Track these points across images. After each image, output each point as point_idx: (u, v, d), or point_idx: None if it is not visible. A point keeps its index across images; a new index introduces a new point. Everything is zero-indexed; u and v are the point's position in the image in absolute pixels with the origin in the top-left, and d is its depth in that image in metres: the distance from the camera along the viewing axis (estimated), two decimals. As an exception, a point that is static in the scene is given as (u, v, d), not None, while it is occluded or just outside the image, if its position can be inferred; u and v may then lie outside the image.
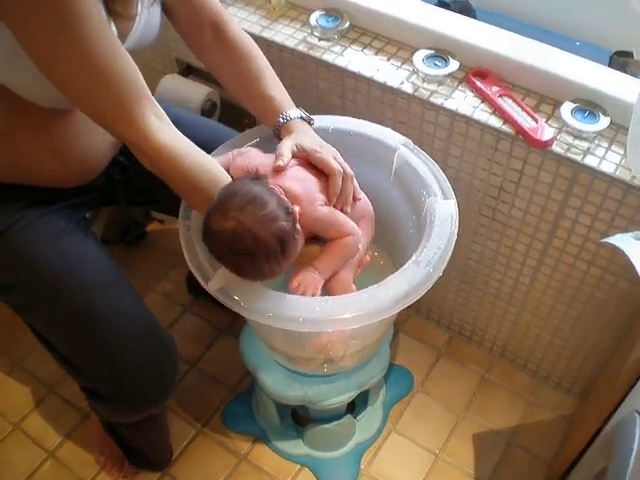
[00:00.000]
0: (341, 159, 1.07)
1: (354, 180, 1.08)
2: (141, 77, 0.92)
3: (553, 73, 1.22)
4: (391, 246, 1.25)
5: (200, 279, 1.03)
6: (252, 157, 1.08)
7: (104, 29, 0.88)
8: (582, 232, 1.24)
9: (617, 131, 1.18)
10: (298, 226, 0.98)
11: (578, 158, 1.16)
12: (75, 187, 1.15)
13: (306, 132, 1.10)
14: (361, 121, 1.22)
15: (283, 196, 0.99)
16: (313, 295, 1.02)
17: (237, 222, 0.93)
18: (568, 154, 1.16)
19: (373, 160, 1.20)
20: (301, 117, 1.11)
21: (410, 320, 1.69)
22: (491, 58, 1.26)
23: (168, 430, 1.35)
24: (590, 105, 1.19)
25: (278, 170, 1.03)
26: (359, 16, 1.36)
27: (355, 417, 1.49)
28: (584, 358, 1.47)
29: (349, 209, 1.07)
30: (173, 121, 0.98)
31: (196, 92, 1.51)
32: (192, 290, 1.73)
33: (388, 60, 1.32)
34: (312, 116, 1.14)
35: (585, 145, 1.17)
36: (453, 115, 1.24)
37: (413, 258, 1.04)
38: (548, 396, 1.57)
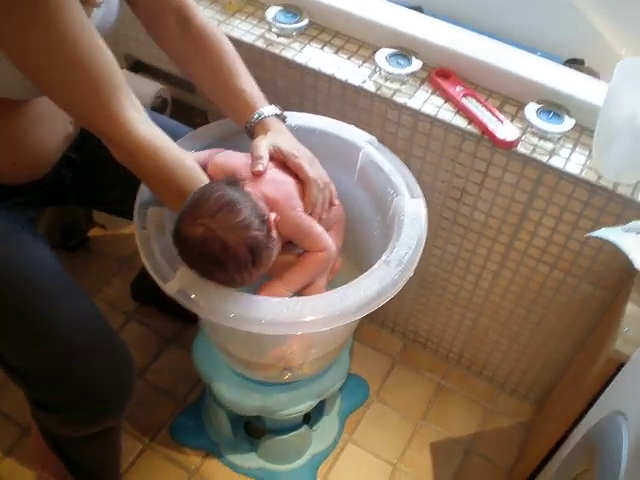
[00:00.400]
0: (318, 165, 1.04)
1: (331, 186, 1.05)
2: (118, 68, 0.87)
3: (517, 74, 1.21)
4: (354, 249, 1.21)
5: (158, 280, 0.97)
6: (228, 156, 1.03)
7: (82, 16, 0.82)
8: (545, 234, 1.23)
9: (581, 132, 1.18)
10: (274, 234, 0.95)
11: (544, 159, 1.15)
12: (22, 184, 1.07)
13: (282, 131, 1.05)
14: (324, 118, 1.19)
15: (261, 202, 0.95)
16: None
17: (206, 229, 0.89)
18: (534, 155, 1.15)
19: (336, 159, 1.16)
20: (276, 114, 1.06)
21: (364, 328, 1.65)
22: (454, 58, 1.24)
23: (120, 446, 1.26)
24: (554, 106, 1.18)
25: (257, 175, 0.98)
26: (318, 13, 1.33)
27: (311, 427, 1.44)
28: (543, 364, 1.46)
29: (324, 217, 1.03)
30: None
31: (146, 89, 1.45)
32: (137, 297, 1.65)
33: (349, 58, 1.29)
34: (276, 112, 1.09)
35: (550, 146, 1.16)
36: (416, 114, 1.21)
37: (383, 258, 1.00)
38: (505, 403, 1.56)
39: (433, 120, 1.20)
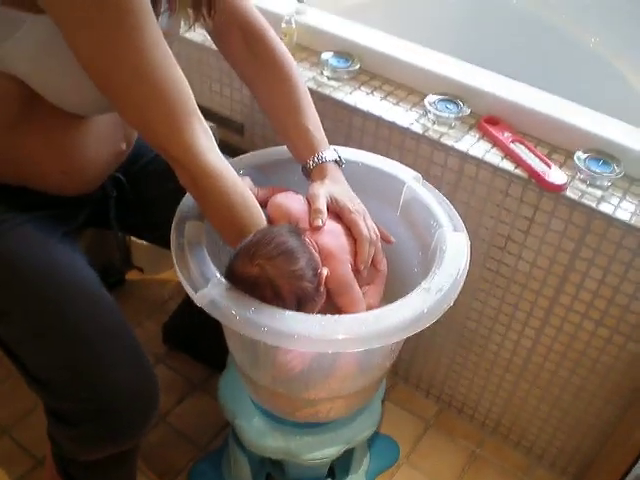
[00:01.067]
0: (369, 219, 1.04)
1: (379, 244, 1.04)
2: (192, 94, 0.89)
3: (567, 121, 1.20)
4: (393, 285, 1.17)
5: (190, 290, 0.94)
6: (288, 199, 1.04)
7: (162, 39, 0.84)
8: (592, 287, 1.18)
9: (631, 183, 1.15)
10: (322, 289, 0.95)
11: (592, 204, 1.12)
12: (69, 197, 1.08)
13: (339, 181, 1.06)
14: (369, 153, 1.18)
15: (316, 254, 0.96)
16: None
17: (262, 271, 0.89)
18: (582, 200, 1.12)
19: (379, 193, 1.15)
20: (335, 160, 1.07)
21: (397, 388, 1.59)
22: (503, 105, 1.24)
23: (135, 478, 1.21)
24: (604, 155, 1.16)
25: (316, 229, 0.99)
26: (369, 59, 1.35)
27: (335, 485, 1.36)
28: (583, 433, 1.37)
29: (365, 273, 1.02)
30: None
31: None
32: (168, 340, 1.62)
33: (398, 103, 1.30)
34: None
35: (599, 193, 1.13)
36: (464, 157, 1.20)
37: (423, 285, 0.97)
38: (542, 476, 1.46)
39: (480, 163, 1.19)
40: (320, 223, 0.99)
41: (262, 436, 1.19)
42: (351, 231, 1.02)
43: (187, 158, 0.89)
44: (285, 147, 1.12)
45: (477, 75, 1.29)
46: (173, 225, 1.03)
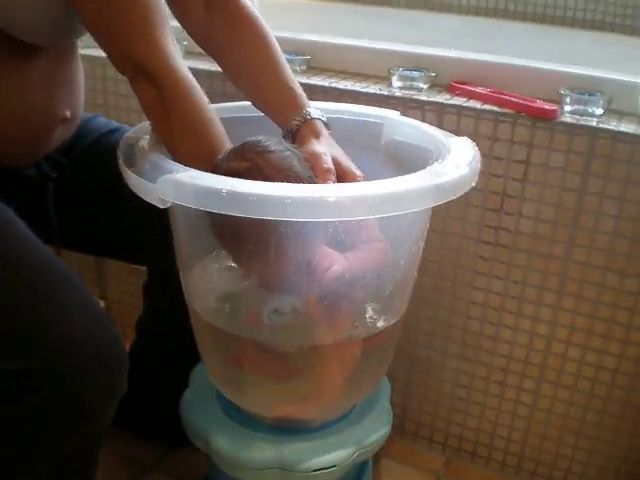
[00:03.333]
0: None
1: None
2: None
3: (542, 67, 1.13)
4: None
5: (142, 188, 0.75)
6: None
7: None
8: (608, 227, 1.04)
9: (621, 117, 1.06)
10: None
11: (592, 123, 1.01)
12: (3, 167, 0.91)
13: (333, 144, 0.92)
14: (341, 104, 1.06)
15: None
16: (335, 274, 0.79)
17: (253, 164, 0.77)
18: (581, 122, 1.02)
19: (358, 141, 1.00)
20: (321, 119, 0.93)
21: (393, 445, 1.31)
22: (471, 66, 1.18)
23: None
24: (587, 90, 1.08)
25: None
26: (320, 54, 1.27)
27: None
28: (624, 454, 1.14)
29: None
30: None
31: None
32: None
33: (358, 82, 1.20)
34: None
35: (594, 119, 1.03)
36: (441, 108, 1.10)
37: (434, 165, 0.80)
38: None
39: (460, 110, 1.09)
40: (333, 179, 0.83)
41: (246, 448, 0.91)
42: None
43: (159, 66, 0.79)
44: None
45: (434, 46, 1.22)
46: (119, 149, 0.85)
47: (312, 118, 0.92)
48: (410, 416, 1.31)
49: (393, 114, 1.01)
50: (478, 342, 1.19)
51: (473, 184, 0.79)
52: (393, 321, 0.89)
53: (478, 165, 0.81)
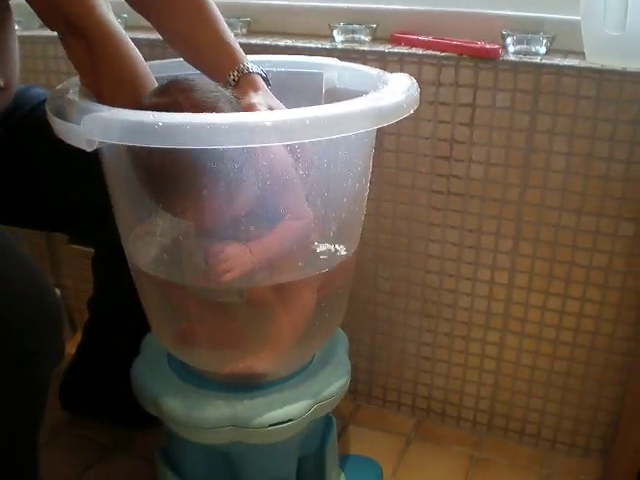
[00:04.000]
0: None
1: None
2: None
3: (480, 11, 1.11)
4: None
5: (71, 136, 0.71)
6: None
7: None
8: (560, 165, 1.02)
9: (566, 55, 1.04)
10: None
11: (537, 59, 1.00)
12: None
13: (272, 96, 0.88)
14: (279, 56, 1.03)
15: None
16: (230, 277, 0.76)
17: (172, 100, 0.73)
18: (524, 59, 1.00)
19: (299, 94, 0.98)
20: (260, 74, 0.90)
21: (361, 411, 1.28)
22: (409, 17, 1.15)
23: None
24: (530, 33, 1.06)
25: None
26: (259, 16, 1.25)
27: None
28: (594, 404, 1.13)
29: None
30: None
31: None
32: (67, 404, 1.27)
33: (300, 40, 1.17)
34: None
35: (538, 57, 1.02)
36: (383, 57, 1.08)
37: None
38: (562, 463, 1.16)
39: (403, 57, 1.07)
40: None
41: (198, 406, 0.87)
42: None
43: (88, 18, 0.75)
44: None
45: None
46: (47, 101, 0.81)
47: (250, 72, 0.89)
48: (377, 381, 1.28)
49: (332, 61, 0.98)
50: (439, 297, 1.17)
51: (412, 111, 0.77)
52: (341, 260, 0.86)
53: (416, 92, 0.79)
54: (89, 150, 0.70)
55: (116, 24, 0.78)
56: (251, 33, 1.23)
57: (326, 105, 0.70)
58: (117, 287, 1.13)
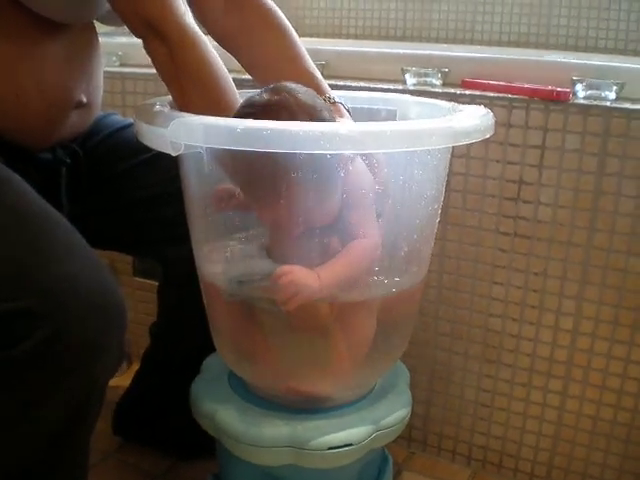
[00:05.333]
0: None
1: None
2: None
3: (552, 60, 1.14)
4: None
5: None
6: None
7: None
8: (628, 210, 1.02)
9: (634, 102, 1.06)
10: None
11: (607, 103, 1.01)
12: (15, 147, 0.91)
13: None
14: (356, 92, 1.07)
15: None
16: (296, 301, 0.77)
17: (283, 98, 0.77)
18: (594, 102, 1.01)
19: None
20: (343, 104, 0.95)
21: (415, 459, 1.25)
22: (479, 64, 1.18)
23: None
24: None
25: None
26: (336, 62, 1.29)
27: None
28: None
29: None
30: None
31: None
32: (120, 430, 1.27)
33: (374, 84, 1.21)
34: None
35: (608, 102, 1.03)
36: (455, 98, 1.10)
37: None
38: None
39: (473, 99, 1.09)
40: None
41: (257, 423, 0.87)
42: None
43: (169, 24, 0.80)
44: None
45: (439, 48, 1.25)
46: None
47: (335, 102, 0.93)
48: (432, 428, 1.25)
49: (405, 97, 1.02)
50: (500, 341, 1.15)
51: (487, 135, 0.79)
52: (409, 284, 0.86)
53: (492, 120, 0.81)
54: (174, 155, 0.73)
55: (195, 27, 0.82)
56: (324, 77, 1.27)
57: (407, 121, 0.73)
58: (184, 315, 1.16)
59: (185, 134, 0.71)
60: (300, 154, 0.71)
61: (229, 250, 0.88)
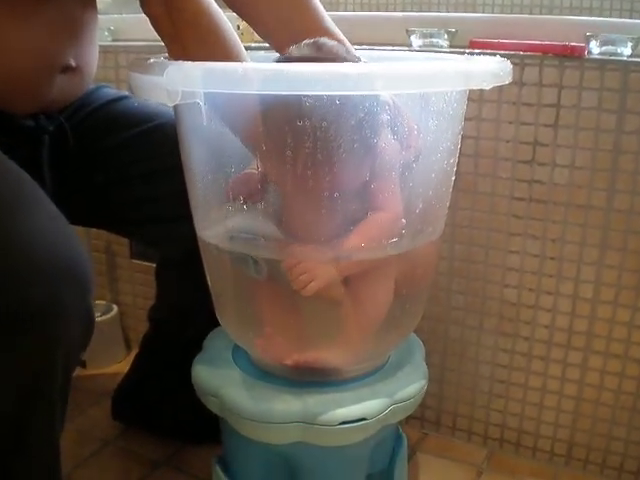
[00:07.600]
0: None
1: None
2: None
3: (562, 18, 1.09)
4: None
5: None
6: None
7: None
8: (652, 168, 0.97)
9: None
10: None
11: (623, 58, 0.96)
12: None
13: None
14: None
15: None
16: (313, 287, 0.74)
17: (328, 51, 0.76)
18: (611, 57, 0.96)
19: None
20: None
21: (430, 440, 1.20)
22: (489, 24, 1.13)
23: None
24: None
25: None
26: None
27: None
28: None
29: None
30: None
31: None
32: (119, 415, 1.22)
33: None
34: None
35: (627, 51, 0.98)
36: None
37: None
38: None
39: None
40: None
41: (266, 399, 0.82)
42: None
43: None
44: None
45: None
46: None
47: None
48: (446, 407, 1.20)
49: (415, 54, 0.97)
50: (516, 313, 1.10)
51: (506, 81, 0.73)
52: (424, 242, 0.81)
53: (509, 67, 0.76)
54: (171, 105, 0.67)
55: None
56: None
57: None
58: (181, 293, 1.10)
59: (182, 80, 0.65)
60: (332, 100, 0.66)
61: (230, 208, 0.82)
